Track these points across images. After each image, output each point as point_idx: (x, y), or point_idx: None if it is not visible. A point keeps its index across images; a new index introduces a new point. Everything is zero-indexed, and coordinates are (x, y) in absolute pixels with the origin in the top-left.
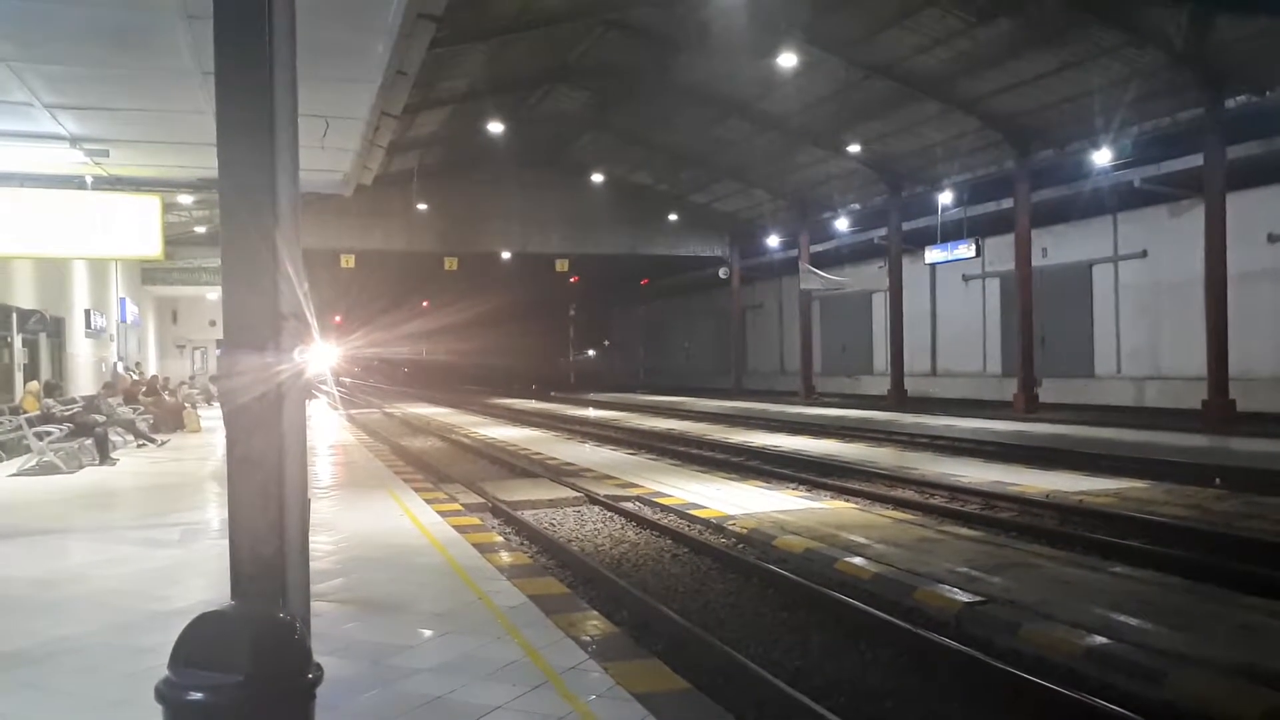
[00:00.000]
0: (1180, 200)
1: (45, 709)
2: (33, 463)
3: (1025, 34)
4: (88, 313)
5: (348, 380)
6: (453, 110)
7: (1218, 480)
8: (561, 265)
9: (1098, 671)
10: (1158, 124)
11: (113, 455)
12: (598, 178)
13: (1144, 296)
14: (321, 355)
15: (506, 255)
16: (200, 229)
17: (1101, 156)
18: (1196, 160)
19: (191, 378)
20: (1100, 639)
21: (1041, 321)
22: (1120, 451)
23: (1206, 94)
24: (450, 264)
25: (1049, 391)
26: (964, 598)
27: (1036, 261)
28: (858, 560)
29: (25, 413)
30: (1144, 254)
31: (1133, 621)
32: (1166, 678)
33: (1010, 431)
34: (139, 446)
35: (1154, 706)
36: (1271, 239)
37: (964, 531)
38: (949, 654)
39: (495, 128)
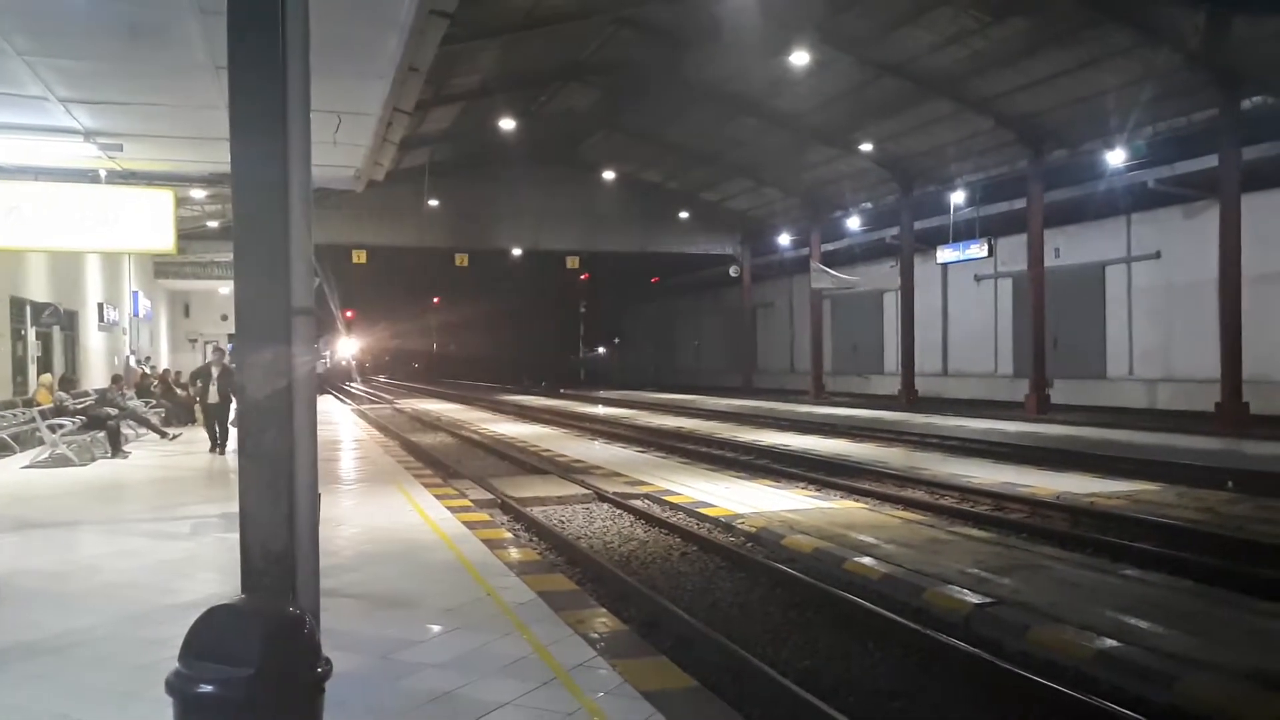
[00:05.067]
0: (1195, 201)
1: (58, 700)
2: (45, 455)
3: (1039, 33)
4: (101, 306)
5: (358, 375)
6: (464, 107)
7: (1230, 483)
8: (572, 262)
9: (1108, 675)
10: (1172, 124)
11: (124, 448)
12: (609, 175)
13: (1157, 298)
14: (339, 350)
15: (517, 252)
16: (212, 223)
17: (1115, 157)
18: (1211, 161)
19: None
20: (1110, 642)
21: (1054, 322)
22: (1132, 454)
23: (1222, 94)
24: (461, 260)
25: (1060, 393)
26: (974, 599)
27: (1049, 262)
28: (867, 560)
29: (38, 405)
30: (1157, 255)
31: (1143, 625)
32: (1177, 682)
33: (1021, 432)
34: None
35: (1164, 710)
36: None
37: (974, 532)
38: (958, 655)
39: (507, 124)
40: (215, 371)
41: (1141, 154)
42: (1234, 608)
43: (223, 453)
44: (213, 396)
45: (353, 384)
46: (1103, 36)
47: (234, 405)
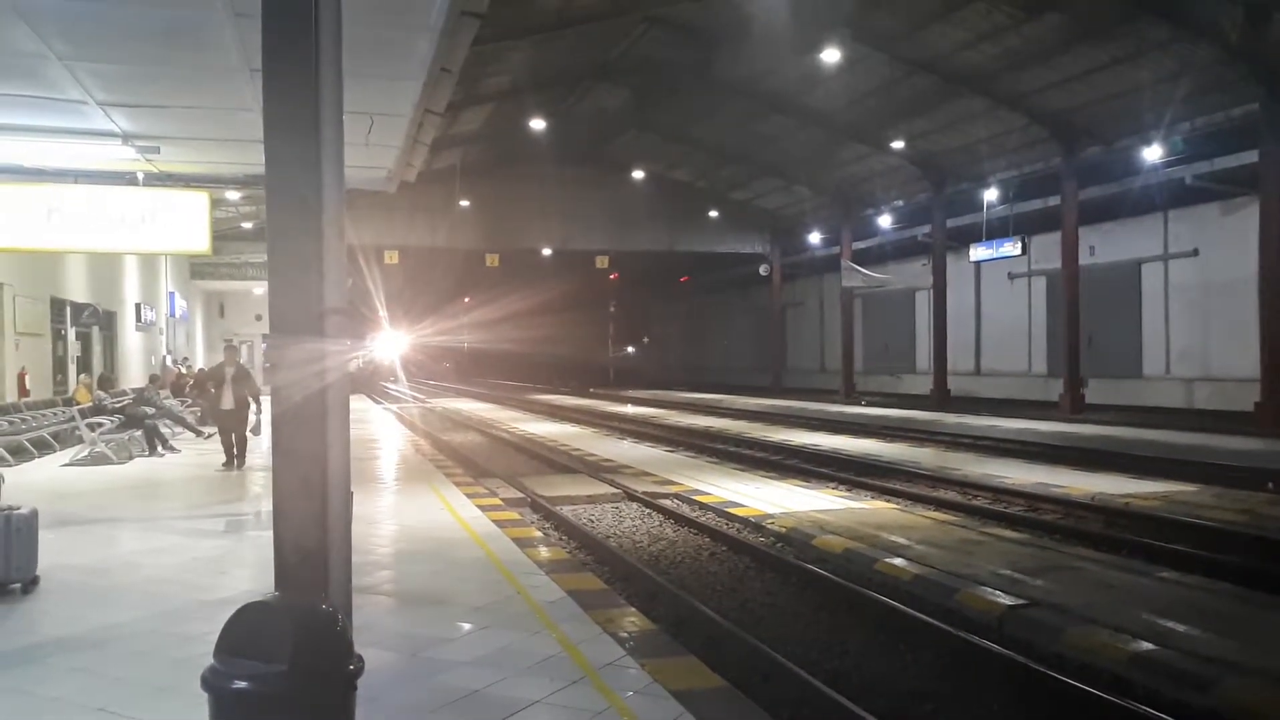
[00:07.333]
0: (1234, 198)
1: (97, 693)
2: (84, 453)
3: (1073, 29)
4: (138, 306)
5: (395, 374)
6: (495, 107)
7: (1270, 485)
8: (602, 262)
9: (1144, 678)
10: (1210, 120)
11: (163, 447)
12: (638, 174)
13: (1194, 296)
14: (383, 349)
15: (547, 252)
16: (247, 224)
17: (1152, 153)
18: (1251, 156)
19: None
20: (1146, 645)
21: (1089, 321)
22: (1168, 454)
23: (1262, 89)
24: (492, 260)
25: (1095, 392)
26: (1007, 600)
27: (1084, 260)
28: (898, 561)
29: (78, 404)
30: (1195, 253)
31: (1180, 627)
32: (1215, 685)
33: (1055, 432)
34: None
35: (1203, 715)
36: None
37: (1007, 533)
38: (991, 657)
39: (537, 125)
40: (229, 373)
41: (1179, 150)
42: (1274, 610)
43: (240, 468)
44: (227, 402)
45: (387, 384)
46: (1138, 31)
47: (253, 411)
